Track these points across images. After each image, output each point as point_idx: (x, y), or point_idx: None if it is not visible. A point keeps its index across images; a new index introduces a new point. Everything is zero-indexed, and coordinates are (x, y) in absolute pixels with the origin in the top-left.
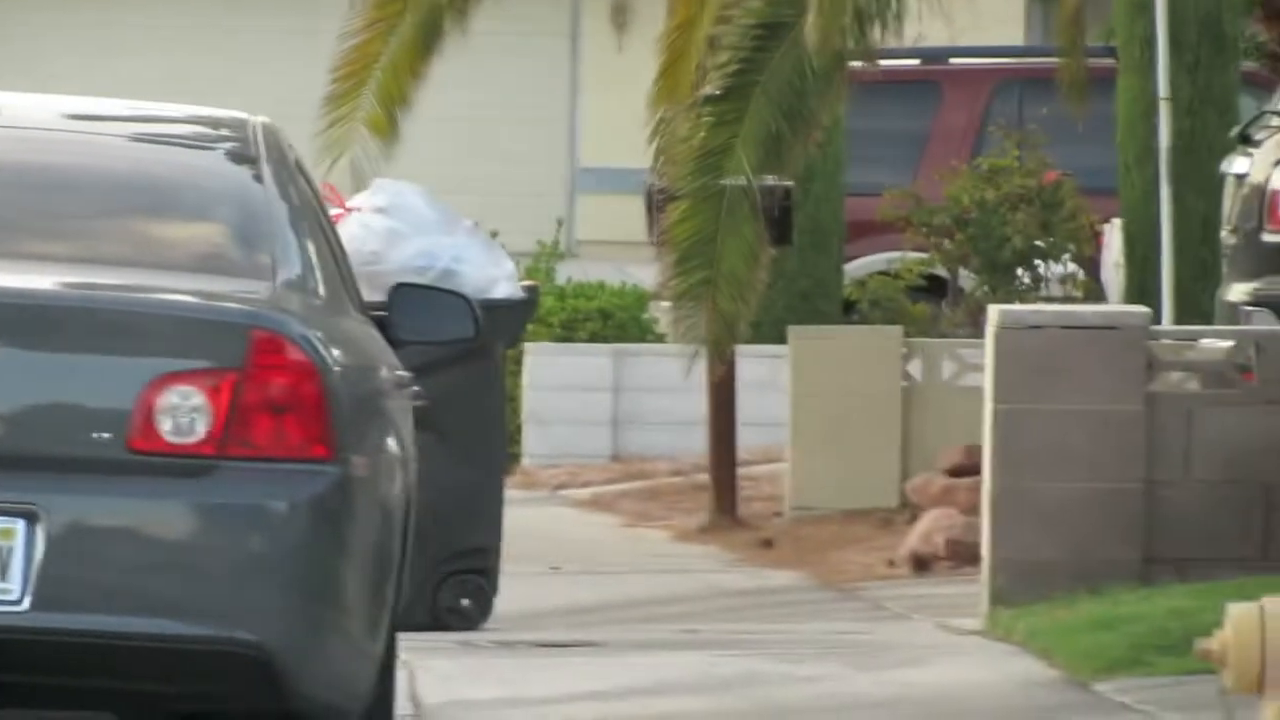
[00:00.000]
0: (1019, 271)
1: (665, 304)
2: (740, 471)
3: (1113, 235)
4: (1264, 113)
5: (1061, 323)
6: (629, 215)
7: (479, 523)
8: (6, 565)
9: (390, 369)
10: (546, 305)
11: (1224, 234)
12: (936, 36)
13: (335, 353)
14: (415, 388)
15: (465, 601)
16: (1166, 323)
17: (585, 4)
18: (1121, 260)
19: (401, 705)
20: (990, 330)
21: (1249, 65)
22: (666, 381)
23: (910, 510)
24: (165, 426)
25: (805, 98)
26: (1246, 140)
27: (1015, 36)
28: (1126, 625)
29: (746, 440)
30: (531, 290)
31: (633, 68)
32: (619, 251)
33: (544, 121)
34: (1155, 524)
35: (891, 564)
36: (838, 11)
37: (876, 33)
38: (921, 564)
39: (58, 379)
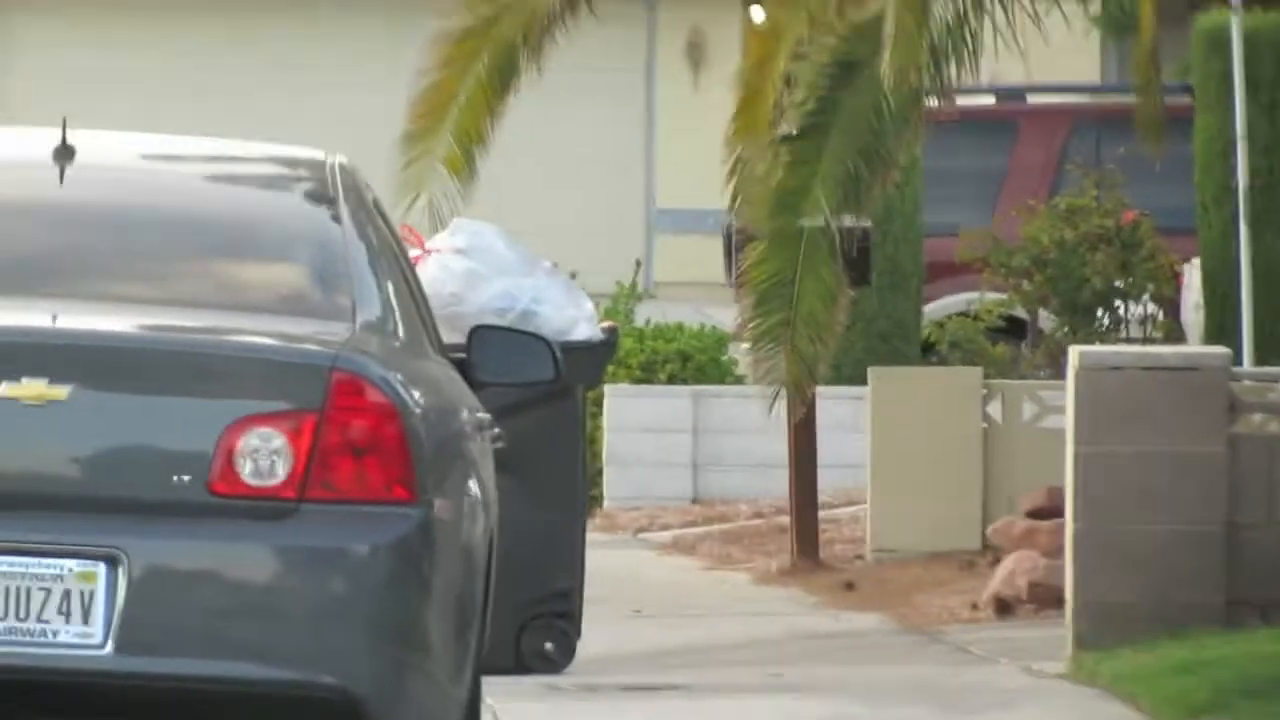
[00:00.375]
0: (1099, 312)
1: (744, 345)
2: (821, 514)
3: (1193, 275)
4: None
5: (1142, 364)
6: (707, 256)
7: (561, 566)
8: (89, 609)
9: (471, 411)
10: (626, 347)
11: None
12: (1012, 74)
13: (415, 394)
14: (496, 430)
15: (549, 645)
16: (1247, 364)
17: (660, 41)
18: (1201, 301)
19: None
20: (1071, 372)
21: None
22: (746, 423)
23: (992, 553)
24: (246, 469)
25: (882, 137)
26: None
27: (1091, 74)
28: (1211, 669)
29: (827, 482)
30: (611, 332)
31: (709, 106)
32: (697, 292)
33: (620, 161)
34: (1239, 567)
35: (975, 607)
36: (913, 49)
37: (952, 70)
38: (1005, 607)
39: (138, 422)
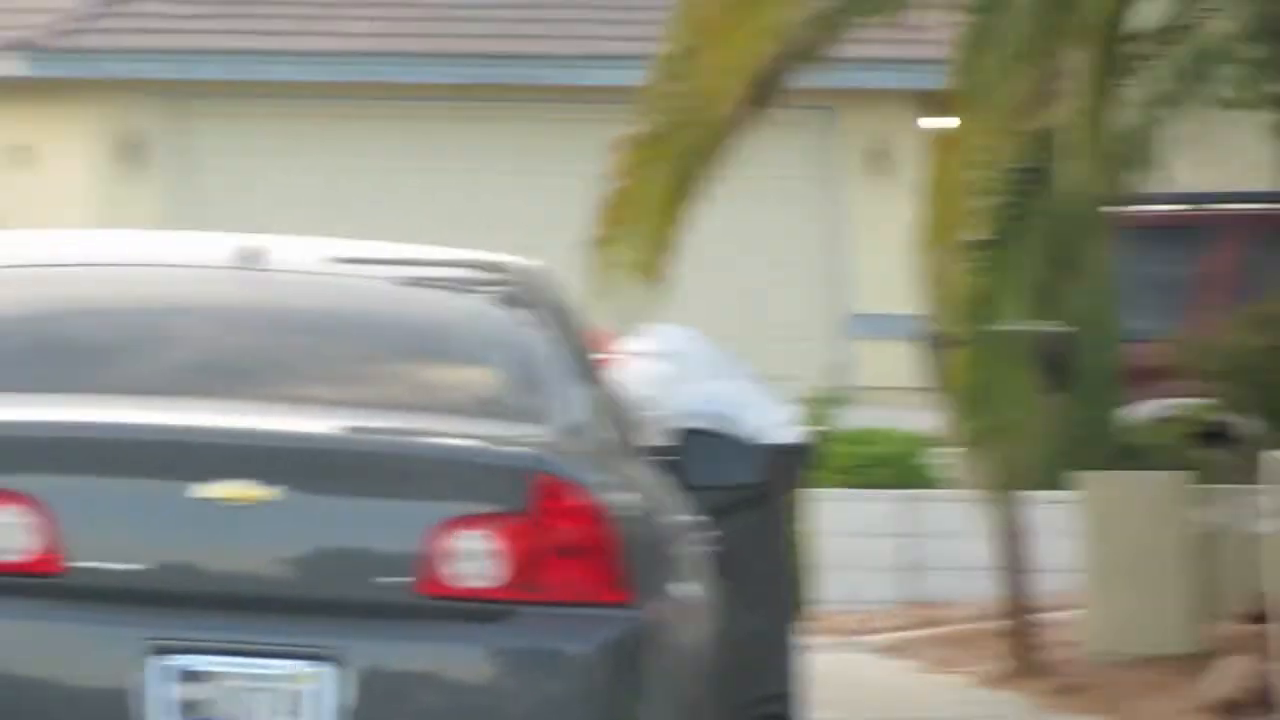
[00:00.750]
0: None
1: (948, 450)
2: (1036, 617)
3: None
4: None
5: None
6: (906, 361)
7: (776, 669)
8: (310, 710)
9: (678, 513)
10: (829, 451)
11: None
12: (1198, 181)
13: (621, 496)
14: (704, 532)
15: None
16: None
17: (844, 146)
18: None
19: None
20: (1274, 476)
21: None
22: (954, 526)
23: (1210, 656)
24: (453, 571)
25: (1071, 243)
26: None
27: (1276, 180)
28: None
29: (1041, 585)
30: (812, 436)
31: (898, 210)
32: (898, 397)
33: (815, 266)
34: None
35: (1195, 711)
36: (1096, 156)
37: (1136, 178)
38: (1225, 711)
39: (346, 523)
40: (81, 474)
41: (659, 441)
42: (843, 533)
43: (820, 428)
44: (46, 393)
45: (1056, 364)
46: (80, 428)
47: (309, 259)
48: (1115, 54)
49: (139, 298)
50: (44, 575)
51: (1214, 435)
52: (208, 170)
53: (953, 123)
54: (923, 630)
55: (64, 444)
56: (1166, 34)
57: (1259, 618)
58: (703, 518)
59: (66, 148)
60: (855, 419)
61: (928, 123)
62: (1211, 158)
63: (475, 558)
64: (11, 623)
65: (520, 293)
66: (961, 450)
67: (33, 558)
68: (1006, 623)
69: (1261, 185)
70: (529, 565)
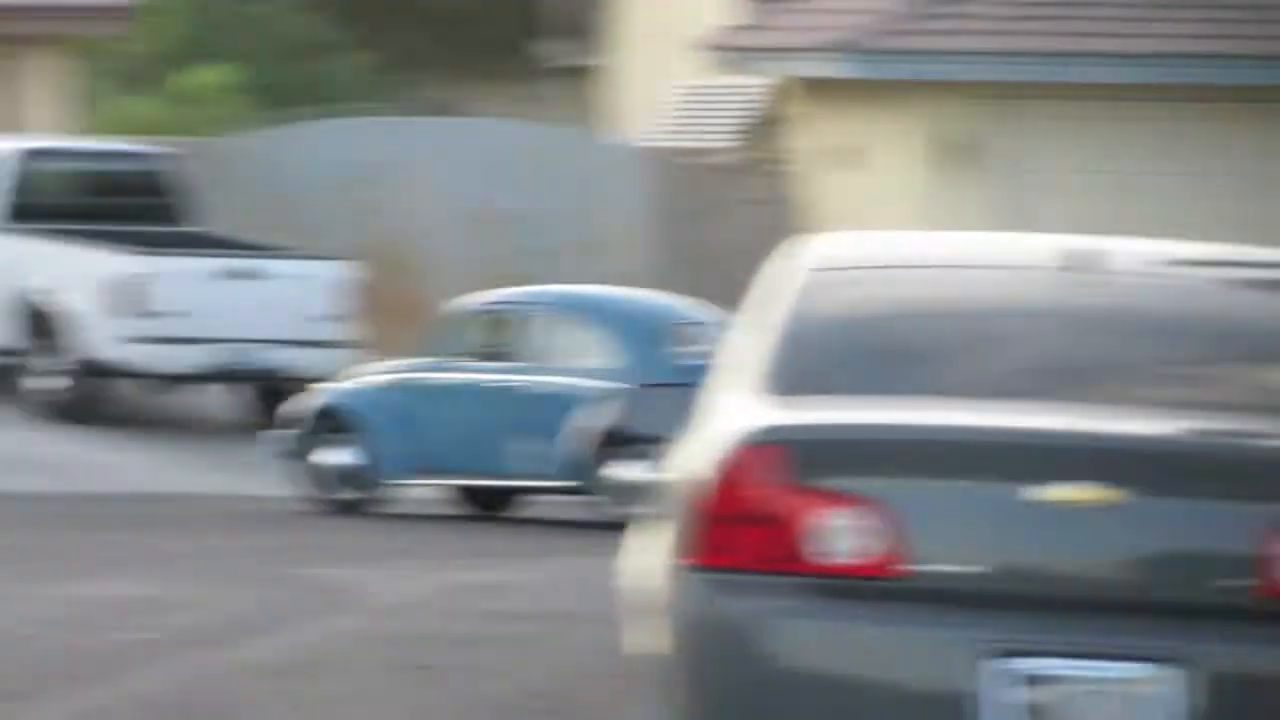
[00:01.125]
0: None
1: None
2: None
3: None
4: None
5: None
6: None
7: None
8: (1158, 714)
9: None
10: None
11: None
12: None
13: None
14: None
15: None
16: None
17: None
18: None
19: None
20: None
21: None
22: None
23: None
24: None
25: None
26: None
27: None
28: None
29: None
30: None
31: None
32: None
33: None
34: None
35: None
36: None
37: None
38: None
39: (1185, 526)
40: (923, 477)
41: None
42: None
43: None
44: (891, 395)
45: None
46: (923, 430)
47: (1146, 260)
48: None
49: (981, 299)
50: (885, 579)
51: None
52: (1032, 171)
53: None
54: None
55: (907, 447)
56: None
57: None
58: None
59: (892, 148)
60: None
61: None
62: None
63: None
64: (850, 625)
65: None
66: None
67: (874, 561)
68: None
69: None
70: None
